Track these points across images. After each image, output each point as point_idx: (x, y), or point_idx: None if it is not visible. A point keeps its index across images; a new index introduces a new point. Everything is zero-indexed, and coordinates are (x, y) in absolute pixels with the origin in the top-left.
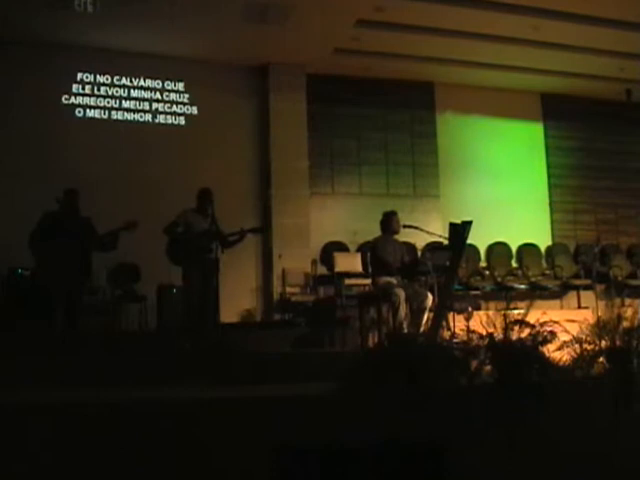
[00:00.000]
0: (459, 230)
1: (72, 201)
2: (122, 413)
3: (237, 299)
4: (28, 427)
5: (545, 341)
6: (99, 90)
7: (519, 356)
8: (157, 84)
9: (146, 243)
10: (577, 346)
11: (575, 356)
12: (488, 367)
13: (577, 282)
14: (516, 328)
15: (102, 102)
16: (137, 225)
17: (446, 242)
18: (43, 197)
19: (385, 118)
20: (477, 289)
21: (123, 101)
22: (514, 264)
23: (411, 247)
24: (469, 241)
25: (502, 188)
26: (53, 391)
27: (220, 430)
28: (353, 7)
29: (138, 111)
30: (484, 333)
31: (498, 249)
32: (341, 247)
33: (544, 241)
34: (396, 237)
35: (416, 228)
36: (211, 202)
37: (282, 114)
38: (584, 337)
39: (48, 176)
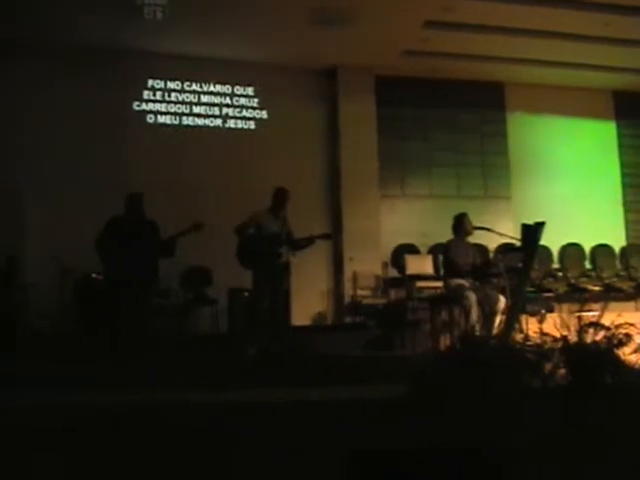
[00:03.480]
0: (532, 231)
1: (136, 205)
2: (193, 415)
3: (308, 302)
4: (99, 429)
5: (620, 344)
6: (170, 96)
7: (593, 359)
8: (227, 89)
9: (217, 247)
10: None
11: None
12: (562, 370)
13: None
14: (590, 331)
15: (173, 108)
16: (203, 226)
17: (517, 243)
18: (116, 203)
19: (454, 119)
20: (550, 291)
21: (193, 106)
22: (587, 265)
23: (483, 249)
24: (541, 242)
25: (574, 188)
26: (125, 394)
27: (291, 433)
28: (421, 8)
29: (208, 116)
30: (558, 336)
31: (571, 250)
32: (412, 249)
33: (618, 242)
34: (468, 239)
35: (487, 230)
36: (286, 202)
37: (351, 116)
38: None
39: (121, 182)
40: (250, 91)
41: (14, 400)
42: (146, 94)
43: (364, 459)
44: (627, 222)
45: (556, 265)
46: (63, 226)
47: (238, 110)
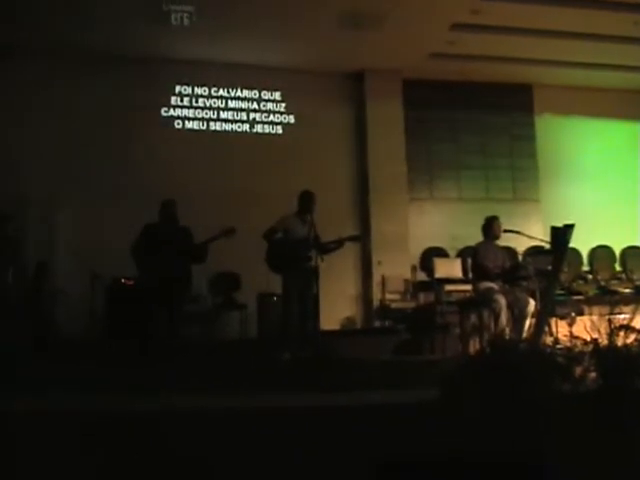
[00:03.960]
0: (561, 234)
1: (169, 211)
2: (221, 421)
3: (337, 306)
4: (124, 434)
5: None
6: (197, 102)
7: (624, 363)
8: (254, 94)
9: (246, 252)
10: None
11: None
12: (592, 374)
13: None
14: (621, 334)
15: (200, 113)
16: (235, 231)
17: (547, 246)
18: (144, 209)
19: (483, 122)
20: (580, 294)
21: (221, 112)
22: (618, 267)
23: (512, 252)
24: (571, 245)
25: (604, 190)
26: (154, 399)
27: (321, 438)
28: (448, 11)
29: (236, 121)
30: (588, 339)
31: (601, 252)
32: (441, 253)
33: None
34: (497, 242)
35: (517, 232)
36: (312, 206)
37: (379, 120)
38: None
39: (151, 187)
40: (277, 96)
41: (43, 404)
42: (174, 100)
43: (394, 469)
44: None
45: (586, 267)
46: (92, 232)
47: (265, 115)
